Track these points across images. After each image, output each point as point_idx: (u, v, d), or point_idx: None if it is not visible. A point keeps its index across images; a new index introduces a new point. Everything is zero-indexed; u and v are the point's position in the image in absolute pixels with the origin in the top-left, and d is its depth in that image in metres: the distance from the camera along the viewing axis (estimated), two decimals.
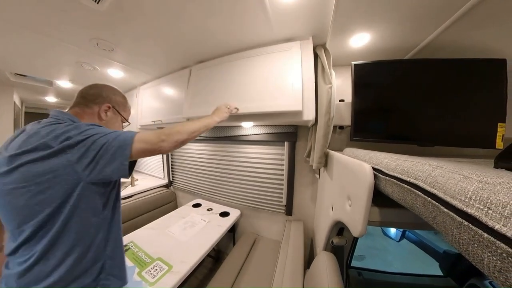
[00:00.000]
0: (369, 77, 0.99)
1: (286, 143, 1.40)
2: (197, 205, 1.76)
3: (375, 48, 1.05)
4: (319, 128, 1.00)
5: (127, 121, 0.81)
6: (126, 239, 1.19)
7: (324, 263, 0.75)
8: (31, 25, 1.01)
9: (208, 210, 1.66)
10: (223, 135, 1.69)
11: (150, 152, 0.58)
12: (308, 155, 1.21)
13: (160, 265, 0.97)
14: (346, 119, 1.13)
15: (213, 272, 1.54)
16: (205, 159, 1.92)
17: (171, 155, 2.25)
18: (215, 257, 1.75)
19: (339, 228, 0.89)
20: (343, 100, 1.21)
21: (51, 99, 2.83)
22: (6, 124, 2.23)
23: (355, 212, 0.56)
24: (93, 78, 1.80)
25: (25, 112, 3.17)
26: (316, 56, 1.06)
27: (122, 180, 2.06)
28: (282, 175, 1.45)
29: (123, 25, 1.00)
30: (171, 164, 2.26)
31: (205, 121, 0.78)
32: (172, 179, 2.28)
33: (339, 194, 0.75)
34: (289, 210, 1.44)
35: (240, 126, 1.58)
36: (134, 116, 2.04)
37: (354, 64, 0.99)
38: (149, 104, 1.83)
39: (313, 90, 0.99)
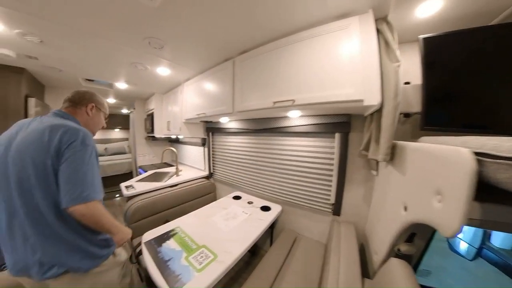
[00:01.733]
0: (442, 52, 0.79)
1: (337, 135, 1.25)
2: (237, 198, 1.76)
3: (448, 16, 0.86)
4: (386, 114, 0.85)
5: (107, 116, 1.01)
6: (173, 224, 1.27)
7: (399, 273, 0.62)
8: (96, 31, 1.14)
9: (248, 203, 1.65)
10: (266, 127, 1.64)
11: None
12: (366, 148, 1.05)
13: (205, 253, 0.98)
14: (414, 105, 0.93)
15: (249, 266, 1.58)
16: (246, 152, 1.90)
17: (213, 148, 2.32)
18: (251, 250, 1.74)
19: (410, 234, 0.73)
20: (408, 83, 1.00)
21: (111, 100, 3.29)
22: None
23: (448, 208, 0.47)
24: (145, 77, 1.98)
25: None
26: (377, 33, 0.89)
27: (167, 169, 2.13)
28: (331, 170, 1.30)
29: (172, 20, 1.03)
30: (212, 157, 2.34)
31: (113, 228, 0.78)
32: (213, 171, 2.36)
33: (419, 190, 0.62)
34: (337, 209, 1.30)
35: (284, 117, 1.50)
36: (178, 112, 2.18)
37: (423, 38, 0.81)
38: (193, 98, 1.91)
39: (377, 72, 0.84)
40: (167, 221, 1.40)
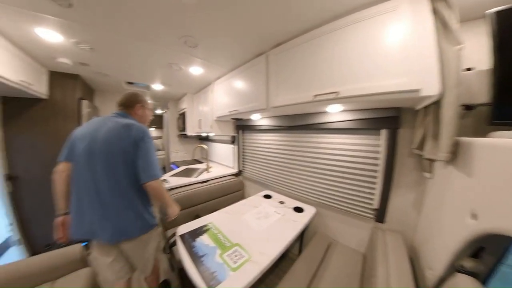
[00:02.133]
0: None
1: (383, 131, 1.12)
2: (267, 196, 1.73)
3: None
4: (446, 106, 0.72)
5: (153, 113, 1.21)
6: (204, 219, 1.29)
7: None
8: (138, 33, 1.20)
9: (280, 202, 1.60)
10: (300, 123, 1.57)
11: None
12: (420, 146, 0.91)
13: (239, 252, 0.96)
14: (478, 95, 0.77)
15: (276, 268, 1.49)
16: (278, 150, 1.86)
17: (243, 145, 2.33)
18: None
19: (477, 247, 0.61)
20: (470, 69, 0.83)
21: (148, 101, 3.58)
22: None
23: None
24: (179, 78, 2.07)
25: None
26: (432, 12, 0.76)
27: (197, 166, 2.54)
28: (375, 171, 1.17)
29: (208, 16, 1.03)
30: (242, 154, 2.35)
31: (170, 201, 1.05)
32: (242, 168, 2.38)
33: (497, 194, 0.51)
34: (380, 216, 1.16)
35: (322, 113, 1.41)
36: (209, 110, 2.23)
37: (495, 12, 0.66)
38: (224, 96, 1.92)
39: (435, 57, 0.71)
40: (197, 216, 1.45)
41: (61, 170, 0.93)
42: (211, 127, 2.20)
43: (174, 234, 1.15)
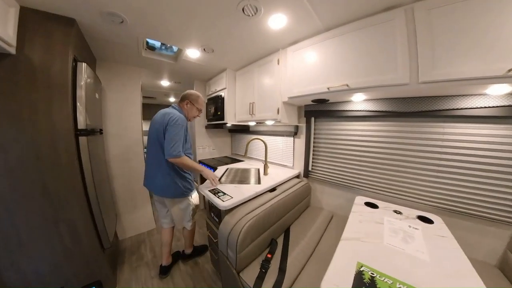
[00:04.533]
0: None
1: None
2: (371, 205, 1.30)
3: None
4: None
5: (201, 110, 1.61)
6: (341, 258, 0.81)
7: None
8: None
9: (395, 212, 1.19)
10: (417, 109, 1.19)
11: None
12: None
13: None
14: None
15: None
16: (376, 143, 1.45)
17: (314, 138, 1.84)
18: None
19: None
20: None
21: (165, 83, 2.91)
22: (138, 110, 2.25)
23: None
24: (236, 35, 1.47)
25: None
26: None
27: (242, 165, 2.31)
28: None
29: None
30: (314, 149, 1.86)
31: (198, 168, 1.47)
32: (312, 168, 1.89)
33: None
34: None
35: (449, 97, 1.08)
36: (273, 90, 1.68)
37: None
38: (312, 67, 1.39)
39: None
40: (273, 240, 1.25)
41: None
42: (278, 112, 1.64)
43: None
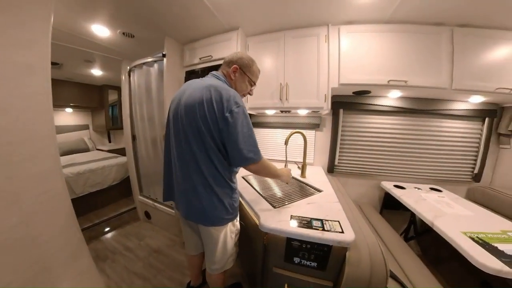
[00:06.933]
0: None
1: None
2: (399, 187, 1.73)
3: None
4: None
5: (254, 83, 1.00)
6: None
7: None
8: None
9: (416, 189, 1.70)
10: (428, 108, 1.73)
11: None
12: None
13: None
14: None
15: None
16: (395, 135, 1.84)
17: (342, 131, 1.90)
18: None
19: None
20: None
21: (102, 30, 1.72)
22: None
23: None
24: None
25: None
26: None
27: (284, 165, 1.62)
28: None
29: None
30: (340, 143, 1.93)
31: (276, 173, 0.99)
32: (338, 162, 1.95)
33: None
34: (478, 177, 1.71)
35: (447, 101, 1.66)
36: (321, 69, 1.48)
37: None
38: (372, 54, 1.41)
39: None
40: None
41: None
42: (325, 100, 1.46)
43: None
